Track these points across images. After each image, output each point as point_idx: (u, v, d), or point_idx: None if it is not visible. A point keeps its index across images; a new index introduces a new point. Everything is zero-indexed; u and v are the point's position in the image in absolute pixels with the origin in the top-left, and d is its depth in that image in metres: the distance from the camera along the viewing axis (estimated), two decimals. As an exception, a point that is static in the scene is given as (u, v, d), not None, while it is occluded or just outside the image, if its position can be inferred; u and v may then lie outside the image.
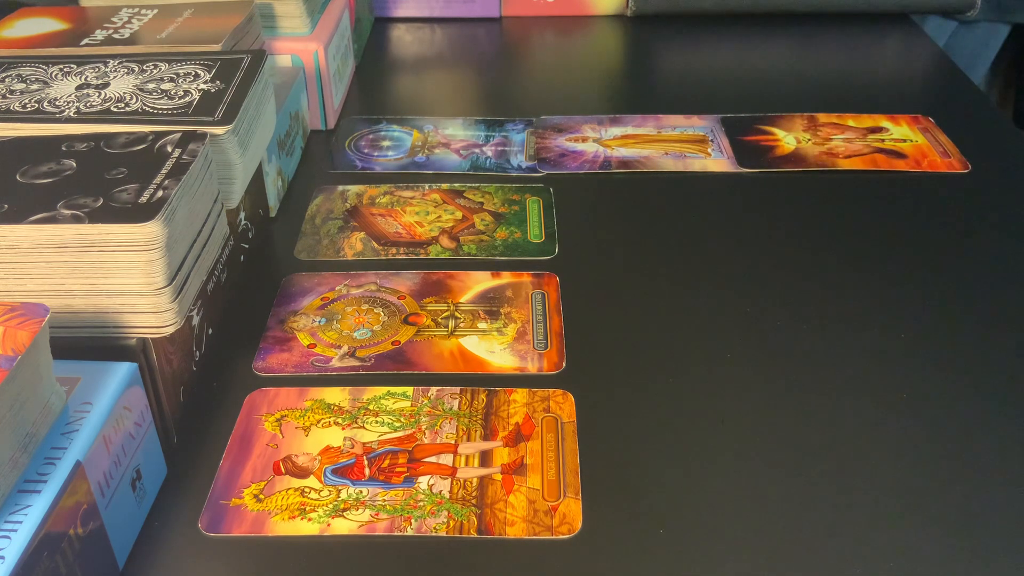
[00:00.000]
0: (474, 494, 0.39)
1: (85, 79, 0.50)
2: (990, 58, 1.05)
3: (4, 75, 0.50)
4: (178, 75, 0.50)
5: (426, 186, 0.61)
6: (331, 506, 0.38)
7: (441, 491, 0.39)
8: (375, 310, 0.50)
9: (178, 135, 0.43)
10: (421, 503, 0.38)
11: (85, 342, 0.38)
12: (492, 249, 0.55)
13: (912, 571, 0.36)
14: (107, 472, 0.35)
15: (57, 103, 0.47)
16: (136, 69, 0.51)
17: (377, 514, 0.38)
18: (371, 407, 0.43)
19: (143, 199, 0.38)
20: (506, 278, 0.52)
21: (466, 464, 0.40)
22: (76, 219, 0.37)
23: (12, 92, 0.48)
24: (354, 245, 0.55)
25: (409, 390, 0.44)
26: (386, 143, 0.67)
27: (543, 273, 0.53)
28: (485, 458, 0.41)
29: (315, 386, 0.45)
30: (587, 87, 0.78)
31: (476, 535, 0.37)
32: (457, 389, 0.44)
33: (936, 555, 0.36)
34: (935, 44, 0.84)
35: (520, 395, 0.44)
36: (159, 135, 0.44)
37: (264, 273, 0.53)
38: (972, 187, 0.61)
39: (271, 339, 0.48)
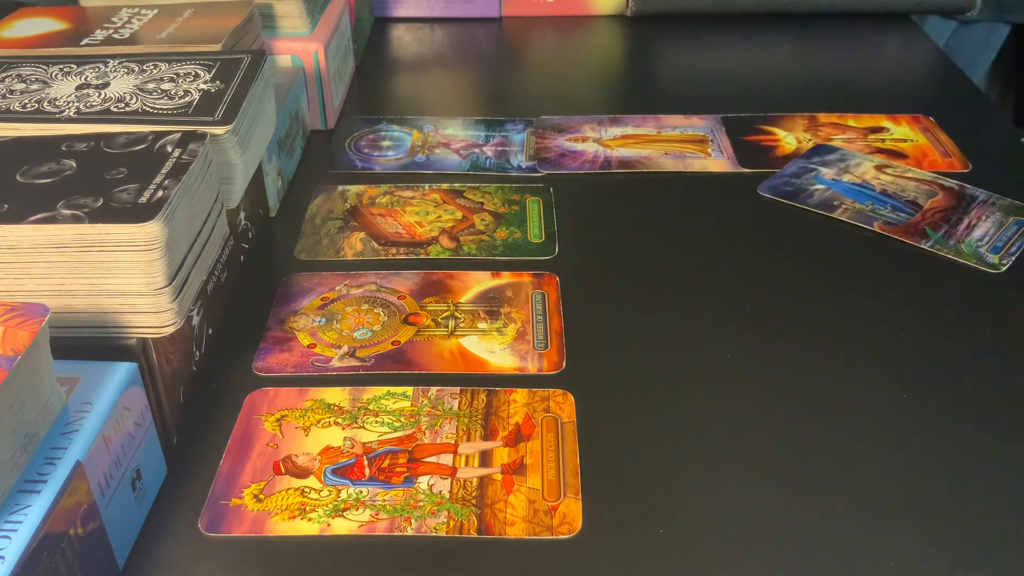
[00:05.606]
0: (474, 494, 0.39)
1: (85, 79, 0.50)
2: (990, 58, 1.05)
3: (4, 75, 0.50)
4: (178, 75, 0.50)
5: (426, 186, 0.61)
6: (331, 506, 0.38)
7: (441, 491, 0.39)
8: (375, 310, 0.50)
9: (178, 135, 0.43)
10: (421, 503, 0.38)
11: (85, 342, 0.38)
12: (492, 249, 0.55)
13: (912, 571, 0.36)
14: (107, 472, 0.35)
15: (57, 103, 0.47)
16: (136, 69, 0.51)
17: (377, 514, 0.38)
18: (371, 407, 0.43)
19: (143, 199, 0.38)
20: (506, 278, 0.52)
21: (466, 464, 0.40)
22: (76, 219, 0.37)
23: (12, 92, 0.48)
24: (354, 245, 0.55)
25: (409, 390, 0.44)
26: (386, 143, 0.67)
27: (543, 273, 0.53)
28: (485, 458, 0.41)
29: (315, 386, 0.45)
30: (587, 87, 0.78)
31: (476, 535, 0.37)
32: (457, 389, 0.44)
33: (936, 555, 0.36)
34: (935, 44, 0.84)
35: (520, 395, 0.44)
36: (159, 135, 0.44)
37: (264, 273, 0.53)
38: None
39: (271, 339, 0.48)
